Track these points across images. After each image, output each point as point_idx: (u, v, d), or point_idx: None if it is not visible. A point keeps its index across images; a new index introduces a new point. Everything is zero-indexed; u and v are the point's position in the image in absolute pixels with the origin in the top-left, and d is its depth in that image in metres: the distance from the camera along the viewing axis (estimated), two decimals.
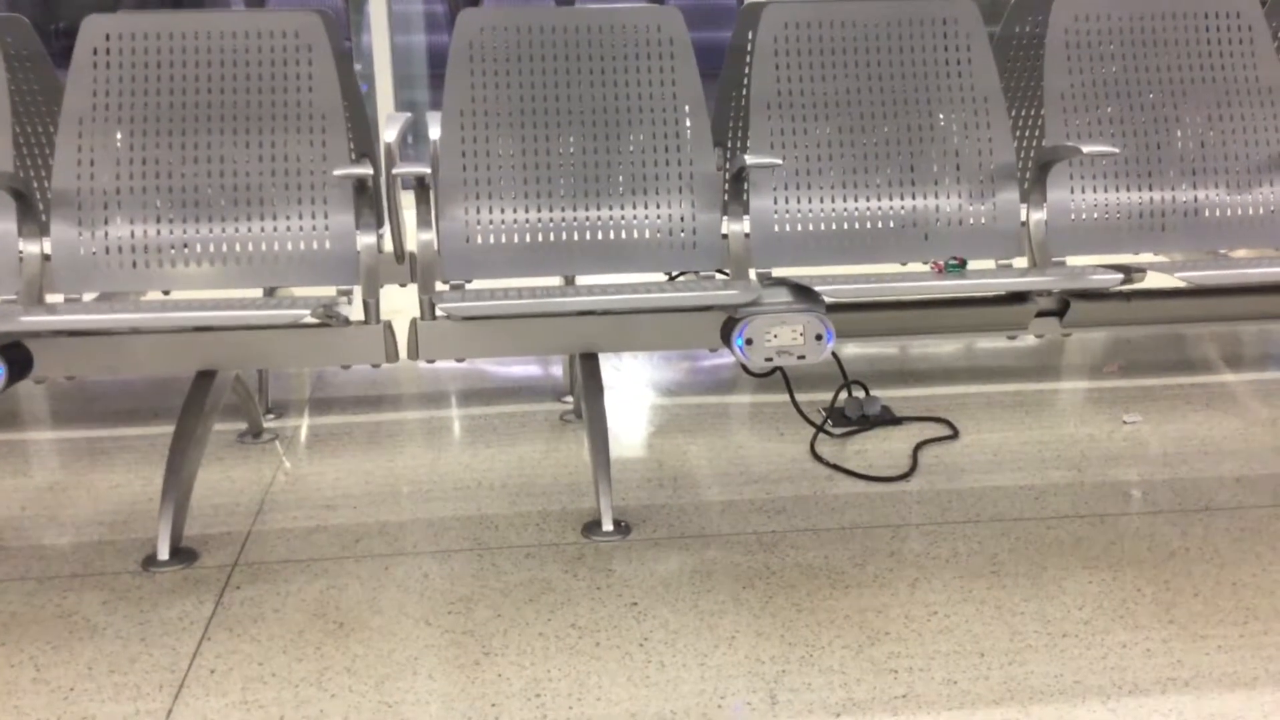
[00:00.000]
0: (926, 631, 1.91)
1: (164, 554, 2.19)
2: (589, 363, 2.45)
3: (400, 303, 2.70)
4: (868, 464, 2.62)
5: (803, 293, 2.18)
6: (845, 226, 2.57)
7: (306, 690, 1.78)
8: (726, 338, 2.12)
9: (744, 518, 2.35)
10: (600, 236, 2.52)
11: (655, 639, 1.91)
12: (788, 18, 2.61)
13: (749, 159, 2.42)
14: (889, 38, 2.63)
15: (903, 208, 2.58)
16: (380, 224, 2.64)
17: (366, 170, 2.36)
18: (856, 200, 2.58)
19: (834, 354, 2.68)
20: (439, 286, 2.42)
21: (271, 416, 3.00)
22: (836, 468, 2.60)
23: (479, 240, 2.48)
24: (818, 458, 2.65)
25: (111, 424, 2.97)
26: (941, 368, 3.34)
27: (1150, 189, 2.64)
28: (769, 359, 2.10)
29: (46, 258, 2.39)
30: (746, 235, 2.55)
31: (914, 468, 2.58)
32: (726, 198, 2.55)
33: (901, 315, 2.42)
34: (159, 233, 2.41)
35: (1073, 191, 2.61)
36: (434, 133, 2.55)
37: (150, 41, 2.46)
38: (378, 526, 2.34)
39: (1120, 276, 2.19)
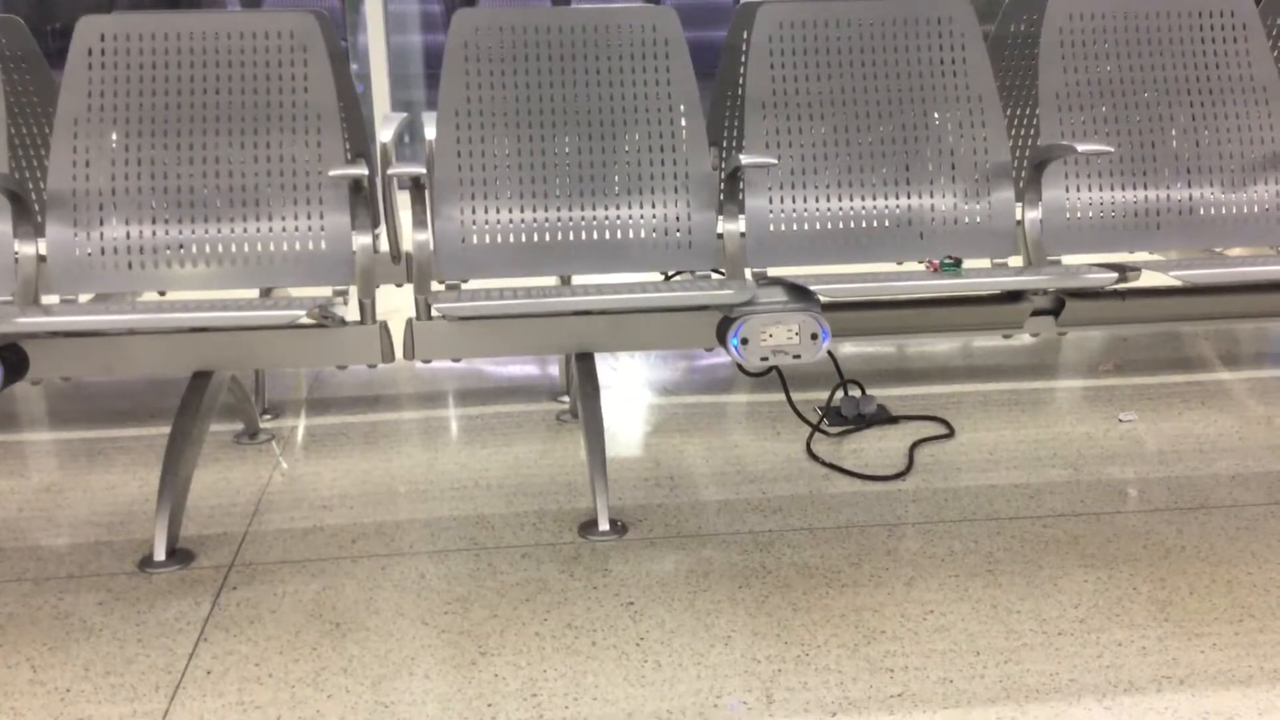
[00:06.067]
0: (922, 630, 1.91)
1: (160, 555, 2.19)
2: (585, 362, 2.45)
3: (396, 303, 2.70)
4: (864, 463, 2.62)
5: (798, 292, 2.18)
6: (841, 225, 2.57)
7: (303, 691, 1.78)
8: (722, 337, 2.12)
9: (740, 517, 2.35)
10: (596, 236, 2.52)
11: (651, 638, 1.91)
12: (783, 17, 2.61)
13: (744, 158, 2.42)
14: (884, 37, 2.63)
15: (898, 207, 2.58)
16: (376, 224, 2.64)
17: (362, 170, 2.36)
18: (852, 199, 2.58)
19: (830, 353, 2.69)
20: (435, 286, 2.42)
21: (268, 417, 3.00)
22: (833, 467, 2.60)
23: (475, 240, 2.49)
24: (814, 457, 2.66)
25: (108, 425, 2.97)
26: (937, 367, 3.34)
27: (1145, 188, 2.65)
28: (764, 358, 2.10)
29: (42, 259, 2.39)
30: (742, 235, 2.55)
31: (910, 467, 2.59)
32: (722, 197, 2.55)
33: (897, 314, 2.42)
34: (154, 233, 2.41)
35: (1068, 190, 2.61)
36: (430, 133, 2.55)
37: (146, 42, 2.46)
38: (374, 527, 2.34)
39: (1115, 275, 2.19)
